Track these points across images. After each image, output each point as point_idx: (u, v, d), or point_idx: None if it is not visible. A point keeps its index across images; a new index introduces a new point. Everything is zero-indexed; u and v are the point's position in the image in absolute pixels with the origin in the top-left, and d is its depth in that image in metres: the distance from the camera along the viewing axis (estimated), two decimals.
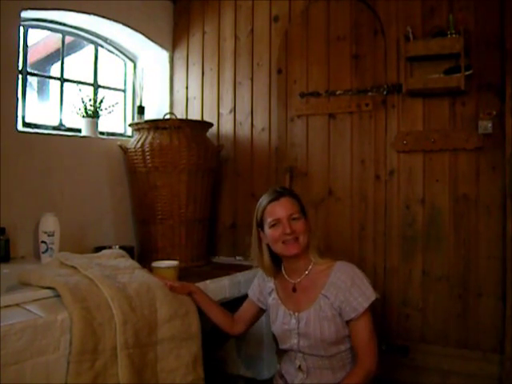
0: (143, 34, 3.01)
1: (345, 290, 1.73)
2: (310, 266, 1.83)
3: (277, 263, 1.89)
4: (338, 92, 2.66)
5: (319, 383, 1.78)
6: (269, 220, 1.80)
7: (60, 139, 2.61)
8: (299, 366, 1.81)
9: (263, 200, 1.85)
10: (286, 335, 1.83)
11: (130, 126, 2.89)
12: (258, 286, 1.99)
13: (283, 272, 1.89)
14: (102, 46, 3.02)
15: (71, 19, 2.74)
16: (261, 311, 2.01)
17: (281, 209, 1.79)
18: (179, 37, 3.17)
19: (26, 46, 2.58)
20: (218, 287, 2.23)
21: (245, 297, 2.11)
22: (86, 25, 2.84)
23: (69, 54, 2.89)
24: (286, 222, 1.76)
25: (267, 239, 1.82)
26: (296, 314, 1.80)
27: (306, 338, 1.77)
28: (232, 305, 2.11)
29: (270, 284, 1.93)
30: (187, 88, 3.15)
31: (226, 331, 1.98)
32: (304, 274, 1.83)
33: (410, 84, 2.39)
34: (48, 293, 1.64)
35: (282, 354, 2.00)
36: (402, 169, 2.51)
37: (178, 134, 2.62)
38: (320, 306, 1.76)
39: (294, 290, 1.84)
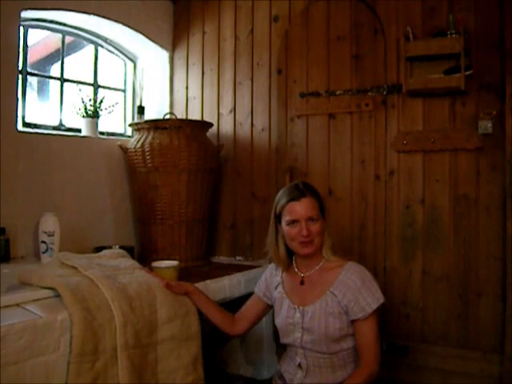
0: (143, 34, 3.01)
1: (354, 289, 1.75)
2: (321, 263, 1.86)
3: (288, 255, 1.92)
4: (338, 92, 2.66)
5: (318, 382, 1.78)
6: (287, 218, 1.82)
7: (60, 139, 2.60)
8: (299, 364, 1.82)
9: (283, 196, 1.86)
10: (289, 329, 1.83)
11: (130, 125, 2.89)
12: (265, 280, 2.01)
13: (293, 265, 1.92)
14: (102, 46, 3.02)
15: (71, 19, 2.74)
16: (266, 308, 2.02)
17: (300, 209, 1.79)
18: (179, 37, 3.17)
19: (26, 45, 2.58)
20: (218, 287, 2.23)
21: (245, 297, 2.11)
22: (86, 25, 2.84)
23: (69, 54, 2.89)
24: (304, 223, 1.78)
25: (283, 234, 1.85)
26: (301, 308, 1.82)
27: (310, 332, 1.77)
28: (232, 305, 2.11)
29: (277, 278, 1.95)
30: (187, 88, 3.15)
31: (225, 332, 1.97)
32: (314, 269, 1.86)
33: (410, 84, 2.39)
34: (48, 293, 1.64)
35: (282, 352, 2.01)
36: (402, 169, 2.51)
37: (177, 134, 2.62)
38: (327, 302, 1.77)
39: (302, 282, 1.87)
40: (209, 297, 2.00)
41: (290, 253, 1.91)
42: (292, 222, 1.80)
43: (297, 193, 1.82)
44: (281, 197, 1.87)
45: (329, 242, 1.86)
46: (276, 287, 1.94)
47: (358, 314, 1.73)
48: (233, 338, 2.21)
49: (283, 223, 1.84)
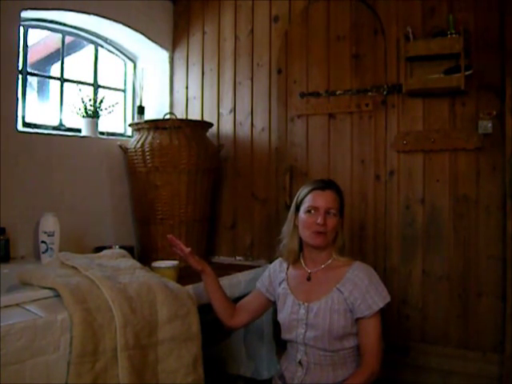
0: (143, 34, 3.00)
1: (362, 287, 1.77)
2: (329, 261, 1.88)
3: (298, 250, 1.94)
4: (338, 92, 2.66)
5: (319, 380, 1.79)
6: (307, 205, 1.85)
7: (60, 139, 2.60)
8: (299, 361, 1.82)
9: (308, 185, 1.91)
10: (293, 325, 1.84)
11: (130, 125, 2.89)
12: (269, 276, 2.02)
13: (301, 260, 1.94)
14: (102, 46, 3.02)
15: (71, 19, 2.74)
16: (267, 304, 2.03)
17: (322, 199, 1.84)
18: (179, 37, 3.17)
19: (26, 45, 2.58)
20: None
21: (245, 297, 2.11)
22: (86, 25, 2.84)
23: (69, 54, 2.89)
24: (323, 213, 1.81)
25: (299, 223, 1.88)
26: (306, 304, 1.83)
27: (314, 328, 1.78)
28: None
29: (282, 274, 1.96)
30: (187, 88, 3.15)
31: (223, 321, 1.99)
32: (321, 266, 1.88)
33: (410, 84, 2.39)
34: (48, 293, 1.64)
35: (282, 352, 2.01)
36: (402, 169, 2.51)
37: (177, 134, 2.62)
38: (332, 299, 1.78)
39: (309, 279, 1.88)
40: (220, 285, 2.02)
41: (300, 249, 1.93)
42: (311, 210, 1.83)
43: (322, 184, 1.89)
44: (305, 186, 1.92)
45: (339, 243, 1.89)
46: (280, 283, 1.95)
47: (364, 311, 1.75)
48: (229, 329, 2.21)
49: (301, 211, 1.87)
